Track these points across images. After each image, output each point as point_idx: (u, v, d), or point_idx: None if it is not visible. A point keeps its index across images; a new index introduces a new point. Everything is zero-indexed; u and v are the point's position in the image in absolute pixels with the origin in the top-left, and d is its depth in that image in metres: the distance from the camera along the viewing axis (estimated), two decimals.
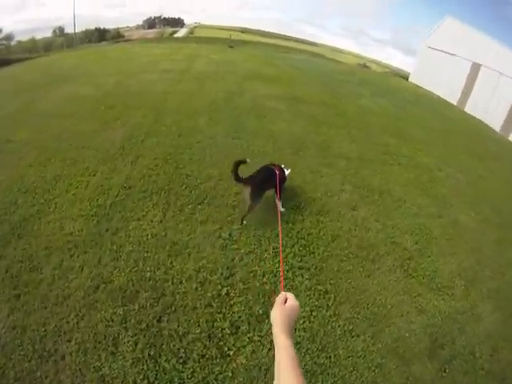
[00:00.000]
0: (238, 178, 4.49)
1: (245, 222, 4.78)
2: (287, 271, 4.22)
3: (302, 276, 4.21)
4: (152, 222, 4.59)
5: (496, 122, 19.48)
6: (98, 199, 4.88)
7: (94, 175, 5.46)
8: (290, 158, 6.56)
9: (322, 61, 25.83)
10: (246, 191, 4.58)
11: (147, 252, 4.09)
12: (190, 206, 4.97)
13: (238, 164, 4.47)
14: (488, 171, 9.69)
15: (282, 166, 5.14)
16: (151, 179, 5.49)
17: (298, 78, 14.12)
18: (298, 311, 1.16)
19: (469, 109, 21.39)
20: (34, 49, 33.48)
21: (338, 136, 8.18)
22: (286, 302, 1.16)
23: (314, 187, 5.96)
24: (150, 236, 4.35)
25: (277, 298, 1.18)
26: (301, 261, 4.42)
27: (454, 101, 22.47)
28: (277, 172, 4.77)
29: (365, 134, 8.90)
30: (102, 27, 49.57)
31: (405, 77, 27.84)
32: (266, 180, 4.71)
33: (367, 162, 7.31)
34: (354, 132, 8.76)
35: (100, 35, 48.24)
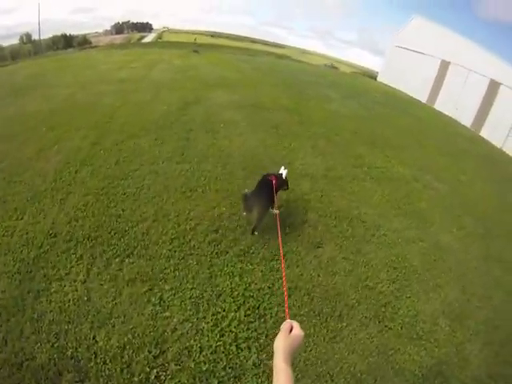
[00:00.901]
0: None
1: (256, 232, 4.49)
2: (229, 344, 3.19)
3: (249, 349, 3.18)
4: (75, 282, 3.60)
5: (467, 119, 19.18)
6: (22, 251, 3.93)
7: (21, 219, 4.42)
8: (242, 184, 5.44)
9: (288, 62, 24.81)
10: (254, 210, 4.30)
11: (69, 323, 3.21)
12: (117, 260, 3.90)
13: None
14: (465, 173, 9.09)
15: (281, 171, 4.73)
16: (78, 224, 4.38)
17: (262, 81, 13.03)
18: (302, 341, 1.17)
19: (439, 106, 21.03)
20: (2, 57, 31.23)
21: (301, 149, 7.09)
22: (291, 330, 1.16)
23: (269, 222, 4.87)
24: (71, 302, 3.40)
25: (282, 326, 1.19)
26: (248, 329, 3.35)
27: (423, 99, 22.07)
28: (273, 181, 4.41)
29: (333, 144, 7.88)
30: (68, 33, 47.07)
31: (373, 77, 27.29)
32: (270, 194, 4.30)
33: (335, 179, 6.27)
34: (321, 143, 7.72)
35: (66, 42, 45.59)
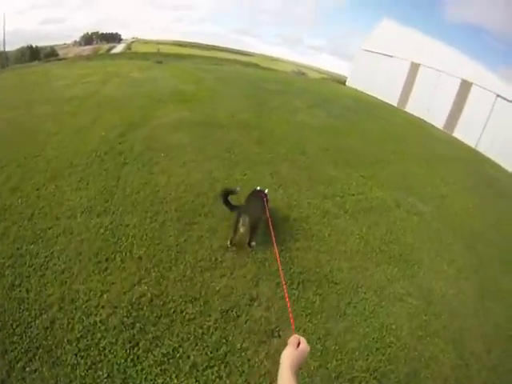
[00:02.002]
0: (232, 207, 4.17)
1: (254, 243, 4.15)
2: None
3: None
4: None
5: (439, 120, 18.46)
6: None
7: None
8: (174, 243, 4.02)
9: (253, 71, 23.23)
10: (245, 220, 3.95)
11: None
12: (19, 365, 2.66)
13: (226, 193, 4.15)
14: (447, 183, 8.22)
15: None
16: None
17: (221, 93, 11.51)
18: (307, 356, 1.18)
19: (410, 109, 20.24)
20: None
21: (258, 180, 5.59)
22: (298, 344, 1.18)
23: (208, 299, 3.50)
24: None
25: (290, 339, 1.20)
26: None
27: (394, 102, 21.22)
28: (264, 195, 4.40)
29: (298, 168, 6.53)
30: (34, 45, 44.13)
31: (342, 82, 26.28)
32: (262, 206, 4.21)
33: (300, 221, 4.89)
34: (283, 168, 6.34)
35: (32, 54, 42.56)
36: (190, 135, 6.99)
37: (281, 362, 1.10)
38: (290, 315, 2.02)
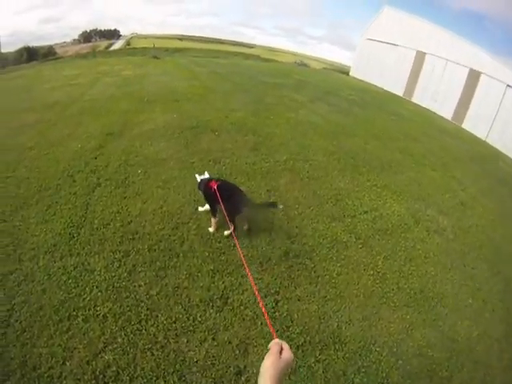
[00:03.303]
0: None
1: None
2: None
3: None
4: None
5: (447, 111, 17.27)
6: None
7: None
8: (144, 297, 3.10)
9: (252, 63, 21.91)
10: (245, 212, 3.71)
11: None
12: None
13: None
14: (464, 188, 7.26)
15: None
16: None
17: (215, 89, 10.37)
18: (292, 365, 0.99)
19: (417, 99, 19.01)
20: None
21: (252, 199, 4.59)
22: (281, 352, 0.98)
23: (184, 373, 2.61)
24: None
25: (272, 346, 0.99)
26: None
27: (399, 92, 20.01)
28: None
29: (300, 179, 5.53)
30: (32, 45, 42.82)
31: (345, 72, 24.94)
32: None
33: (301, 258, 3.86)
34: (283, 183, 5.32)
35: (29, 54, 41.17)
36: (174, 144, 5.98)
37: (261, 372, 0.90)
38: (266, 316, 1.63)
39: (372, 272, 3.90)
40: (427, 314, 3.62)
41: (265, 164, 5.75)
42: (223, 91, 10.29)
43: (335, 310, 3.30)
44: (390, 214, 5.17)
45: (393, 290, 3.77)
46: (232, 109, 8.39)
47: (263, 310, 1.82)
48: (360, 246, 4.26)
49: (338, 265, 3.84)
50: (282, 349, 0.97)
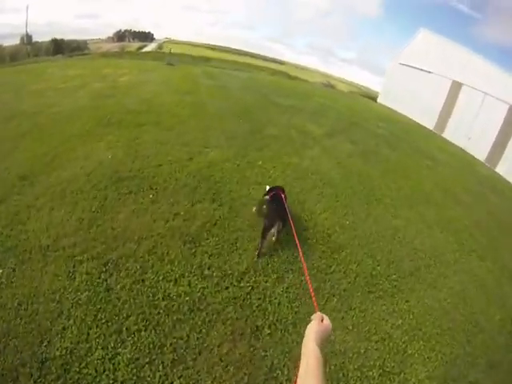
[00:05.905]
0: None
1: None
2: None
3: None
4: None
5: (481, 151, 14.50)
6: None
7: None
8: None
9: (275, 79, 19.39)
10: (279, 226, 3.43)
11: None
12: None
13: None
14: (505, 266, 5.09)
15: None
16: None
17: (208, 110, 8.15)
18: (330, 332, 1.09)
19: (448, 134, 16.24)
20: (1, 57, 26.47)
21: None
22: (322, 320, 1.11)
23: None
24: None
25: (315, 316, 1.12)
26: None
27: (430, 125, 17.24)
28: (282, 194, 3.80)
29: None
30: (65, 38, 41.32)
31: (373, 97, 22.30)
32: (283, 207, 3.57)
33: None
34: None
35: (56, 47, 39.55)
36: (75, 218, 3.64)
37: (306, 334, 1.02)
38: (312, 294, 1.63)
39: None
40: None
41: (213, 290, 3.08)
42: (214, 113, 7.96)
43: None
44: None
45: None
46: (207, 144, 5.97)
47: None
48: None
49: None
50: (322, 318, 1.09)
